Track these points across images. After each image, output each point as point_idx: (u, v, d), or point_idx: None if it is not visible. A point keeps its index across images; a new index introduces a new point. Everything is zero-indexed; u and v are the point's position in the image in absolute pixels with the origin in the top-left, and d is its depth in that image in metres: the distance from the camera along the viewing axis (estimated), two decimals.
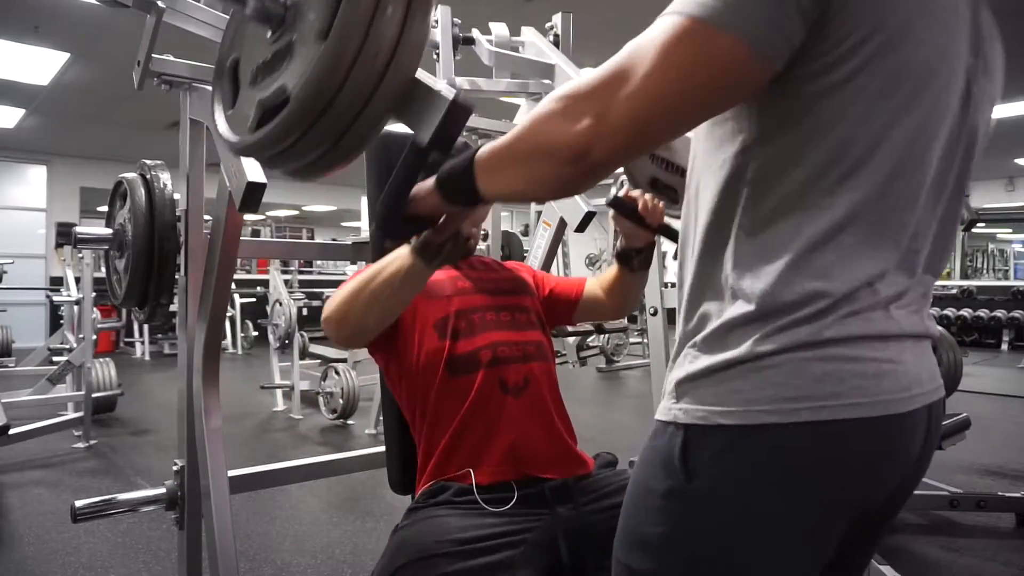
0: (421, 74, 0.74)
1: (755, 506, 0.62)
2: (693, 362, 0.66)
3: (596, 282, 1.44)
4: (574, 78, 1.49)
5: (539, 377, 1.24)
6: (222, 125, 0.88)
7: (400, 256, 1.02)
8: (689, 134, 0.70)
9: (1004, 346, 9.25)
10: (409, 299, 1.11)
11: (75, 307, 4.42)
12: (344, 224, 14.36)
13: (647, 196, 1.20)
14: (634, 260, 1.32)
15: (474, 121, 1.79)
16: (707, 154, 0.69)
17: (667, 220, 1.21)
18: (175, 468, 1.53)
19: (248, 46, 0.88)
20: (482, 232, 1.39)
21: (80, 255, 4.17)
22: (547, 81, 1.66)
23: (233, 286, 5.19)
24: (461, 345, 1.19)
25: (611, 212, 1.22)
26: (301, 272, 8.30)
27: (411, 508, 1.16)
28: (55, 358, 4.65)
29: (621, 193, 1.22)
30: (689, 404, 0.65)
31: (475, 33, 1.84)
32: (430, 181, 0.84)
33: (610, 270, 1.40)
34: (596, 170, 0.65)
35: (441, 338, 1.20)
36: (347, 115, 0.73)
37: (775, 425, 0.61)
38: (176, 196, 1.62)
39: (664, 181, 1.32)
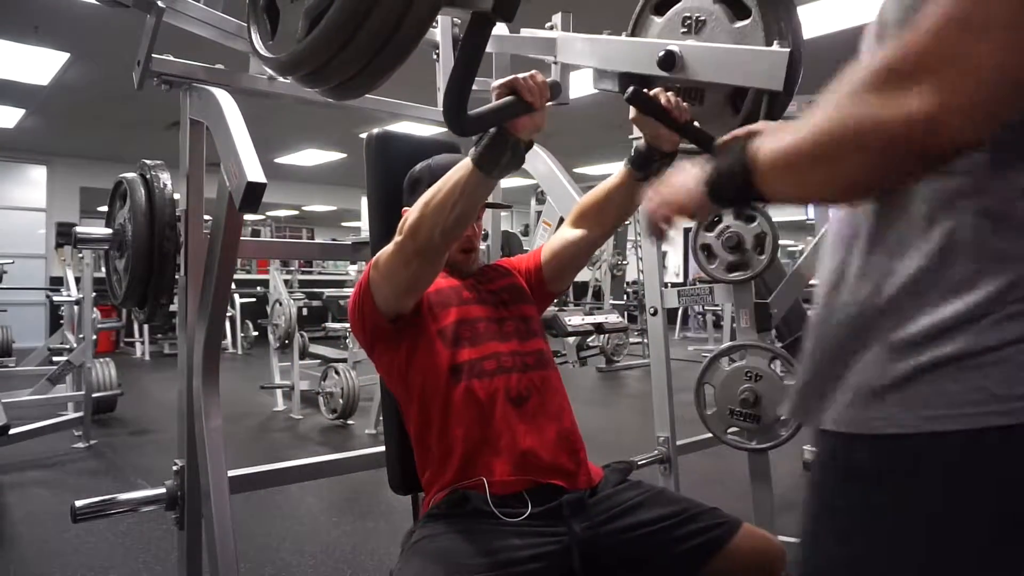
0: None
1: (978, 524, 0.55)
2: (888, 365, 0.58)
3: (572, 215, 1.39)
4: (578, 39, 1.46)
5: (543, 386, 1.24)
6: (265, 51, 0.85)
7: (461, 167, 1.02)
8: None
9: None
10: (473, 211, 1.09)
11: (75, 307, 4.41)
12: (344, 224, 14.36)
13: (669, 93, 1.11)
14: (655, 164, 1.20)
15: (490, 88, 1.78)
16: None
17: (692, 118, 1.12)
18: (175, 468, 1.53)
19: None
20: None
21: (80, 255, 4.17)
22: (552, 36, 1.65)
23: (233, 286, 5.20)
24: (464, 353, 1.20)
25: (631, 112, 1.12)
26: (301, 272, 8.30)
27: (431, 514, 1.15)
28: (55, 358, 4.64)
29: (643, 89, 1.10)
30: (891, 410, 0.57)
31: None
32: (691, 178, 0.75)
33: (600, 188, 1.32)
34: (950, 152, 0.50)
35: (445, 346, 1.20)
36: (398, 3, 0.71)
37: (996, 428, 0.53)
38: (176, 196, 1.62)
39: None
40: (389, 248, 1.13)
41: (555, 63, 1.63)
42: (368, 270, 1.19)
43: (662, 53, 1.14)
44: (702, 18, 1.20)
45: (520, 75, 0.97)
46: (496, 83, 0.96)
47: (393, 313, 1.19)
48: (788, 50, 1.02)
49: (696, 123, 1.12)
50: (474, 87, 1.92)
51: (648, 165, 1.20)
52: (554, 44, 1.55)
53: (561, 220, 1.51)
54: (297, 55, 0.79)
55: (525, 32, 1.83)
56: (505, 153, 0.97)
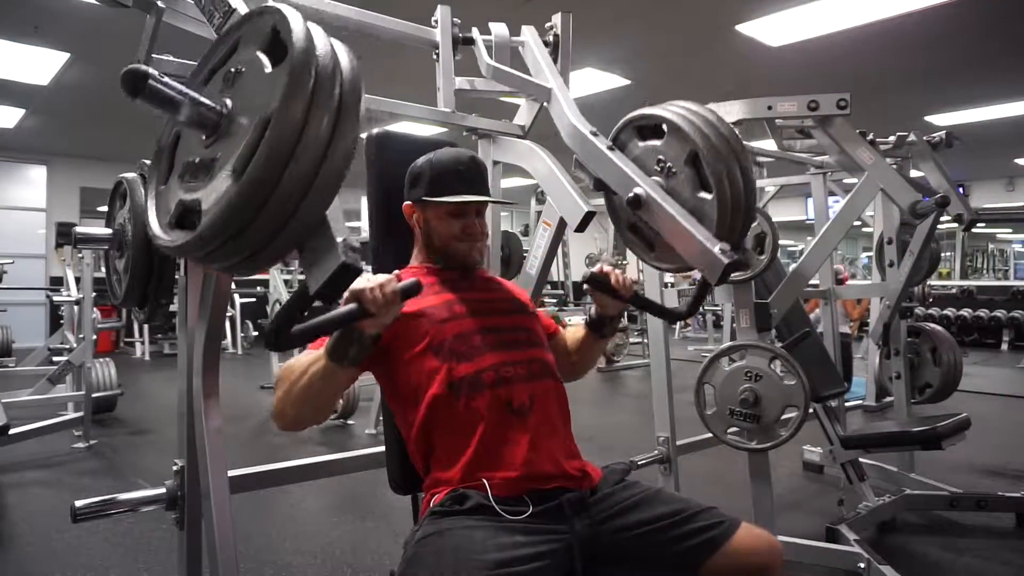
0: (331, 213, 0.81)
1: None
2: None
3: (564, 336, 1.52)
4: (570, 102, 1.55)
5: (545, 395, 1.24)
6: (151, 208, 0.94)
7: (316, 357, 1.09)
8: None
9: (1004, 346, 9.25)
10: (337, 393, 1.17)
11: (75, 307, 4.41)
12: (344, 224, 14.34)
13: (618, 272, 1.36)
14: (606, 327, 1.46)
15: (473, 122, 1.79)
16: None
17: (636, 289, 1.40)
18: (175, 468, 1.53)
19: (187, 133, 0.92)
20: (486, 229, 1.40)
21: (80, 255, 4.17)
22: (547, 85, 1.66)
23: (233, 286, 5.18)
24: (462, 368, 1.19)
25: (585, 287, 1.37)
26: (301, 272, 8.29)
27: (435, 512, 1.15)
28: (55, 358, 4.64)
29: (596, 270, 1.36)
30: None
31: (474, 33, 1.84)
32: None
33: (577, 331, 1.50)
34: None
35: (441, 364, 1.19)
36: (253, 244, 0.79)
37: None
38: None
39: (642, 228, 1.41)
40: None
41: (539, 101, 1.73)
42: None
43: (631, 194, 1.27)
44: (674, 170, 1.33)
45: (367, 286, 0.99)
46: (346, 293, 0.99)
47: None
48: (726, 262, 1.17)
49: (650, 246, 1.42)
50: (475, 88, 1.92)
51: (602, 327, 1.46)
52: (549, 95, 1.62)
53: (561, 220, 1.52)
54: (165, 245, 0.87)
55: (525, 34, 1.83)
56: (352, 345, 1.05)
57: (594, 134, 1.42)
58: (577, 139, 1.46)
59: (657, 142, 1.36)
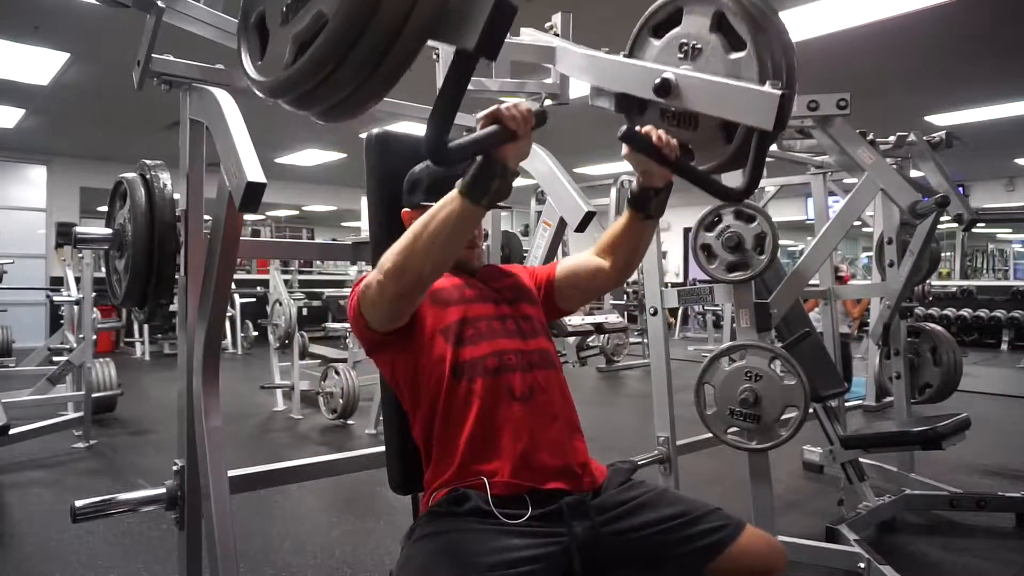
0: None
1: None
2: None
3: (591, 250, 1.40)
4: (577, 48, 1.46)
5: (546, 385, 1.23)
6: (254, 73, 0.86)
7: (449, 200, 1.01)
8: None
9: (1004, 346, 9.25)
10: (462, 243, 1.09)
11: (75, 307, 4.41)
12: (344, 224, 14.36)
13: (660, 131, 1.16)
14: (652, 202, 1.27)
15: (473, 122, 1.78)
16: None
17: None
18: (175, 468, 1.53)
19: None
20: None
21: (80, 255, 4.17)
22: (547, 80, 1.65)
23: (233, 286, 5.19)
24: (467, 351, 1.19)
25: (623, 149, 1.17)
26: (301, 272, 8.30)
27: (433, 512, 1.15)
28: (55, 358, 4.64)
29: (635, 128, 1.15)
30: None
31: None
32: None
33: (614, 226, 1.35)
34: None
35: (447, 344, 1.20)
36: (387, 32, 0.71)
37: None
38: (176, 196, 1.62)
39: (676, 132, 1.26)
40: (372, 285, 1.12)
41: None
42: (357, 294, 1.18)
43: (658, 80, 1.14)
44: (698, 46, 1.21)
45: (503, 104, 0.98)
46: (480, 114, 0.97)
47: (388, 329, 1.19)
48: (780, 93, 1.02)
49: (687, 153, 1.19)
50: (476, 88, 1.92)
51: (646, 203, 1.26)
52: (553, 53, 1.55)
53: (561, 220, 1.51)
54: (284, 80, 0.79)
55: (525, 34, 1.83)
56: (494, 180, 0.98)
57: (607, 52, 1.35)
58: (591, 64, 1.36)
59: (676, 30, 1.26)
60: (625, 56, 1.29)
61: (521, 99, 0.99)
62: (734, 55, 1.17)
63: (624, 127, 1.13)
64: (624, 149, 1.17)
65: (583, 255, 1.41)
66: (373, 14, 0.70)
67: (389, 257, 1.08)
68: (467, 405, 1.17)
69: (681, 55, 1.23)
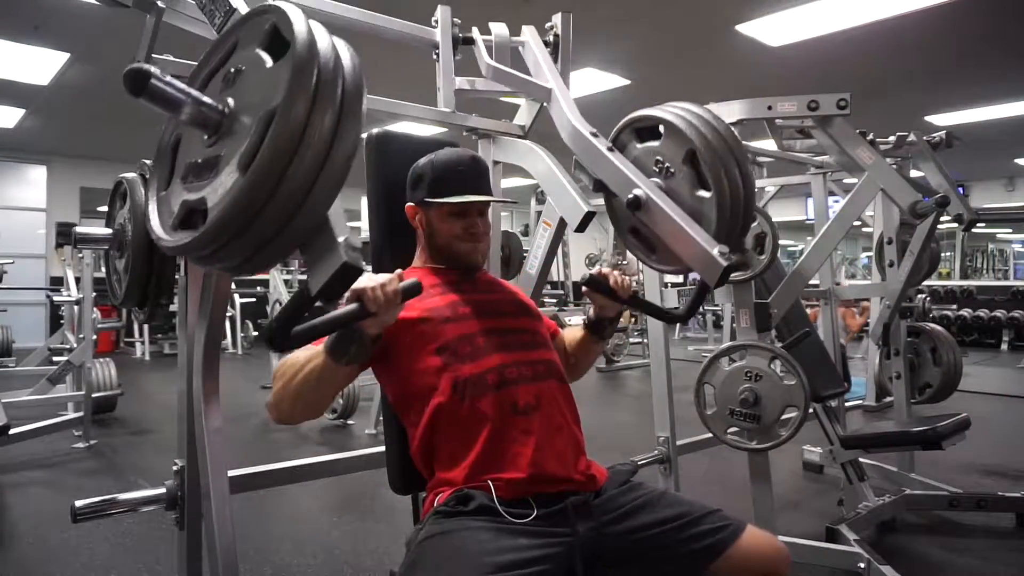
0: (333, 212, 0.81)
1: None
2: None
3: (563, 337, 1.51)
4: (570, 103, 1.55)
5: (551, 395, 1.23)
6: (152, 211, 0.94)
7: (316, 353, 1.09)
8: None
9: (1004, 346, 9.25)
10: (334, 391, 1.17)
11: (75, 307, 4.41)
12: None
13: (616, 273, 1.37)
14: (606, 329, 1.46)
15: (473, 122, 1.79)
16: None
17: (635, 289, 1.41)
18: (175, 468, 1.53)
19: (188, 135, 0.92)
20: (488, 225, 1.40)
21: (80, 255, 4.17)
22: (547, 86, 1.66)
23: (233, 286, 5.18)
24: (466, 369, 1.19)
25: (584, 289, 1.36)
26: (302, 272, 8.29)
27: (439, 511, 1.15)
28: (55, 358, 4.64)
29: (594, 271, 1.37)
30: None
31: (475, 33, 1.84)
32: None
33: (575, 332, 1.50)
34: None
35: (445, 363, 1.19)
36: (256, 242, 0.79)
37: None
38: None
39: (643, 231, 1.41)
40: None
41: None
42: None
43: (631, 196, 1.27)
44: (672, 170, 1.34)
45: (369, 285, 0.99)
46: (347, 293, 0.98)
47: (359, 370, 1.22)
48: (725, 264, 1.17)
49: (650, 247, 1.42)
50: (475, 88, 1.92)
51: (601, 329, 1.46)
52: (549, 95, 1.63)
53: (561, 220, 1.52)
54: (170, 246, 0.87)
55: (525, 34, 1.83)
56: (352, 345, 1.05)
57: (594, 135, 1.42)
58: (577, 140, 1.46)
59: (655, 143, 1.37)
60: (610, 148, 1.38)
61: (392, 277, 1.02)
62: (700, 192, 1.30)
63: (588, 274, 1.36)
64: (584, 288, 1.36)
65: (566, 340, 1.51)
66: (248, 225, 0.77)
67: (273, 386, 1.16)
68: (472, 423, 1.16)
69: (657, 169, 1.36)
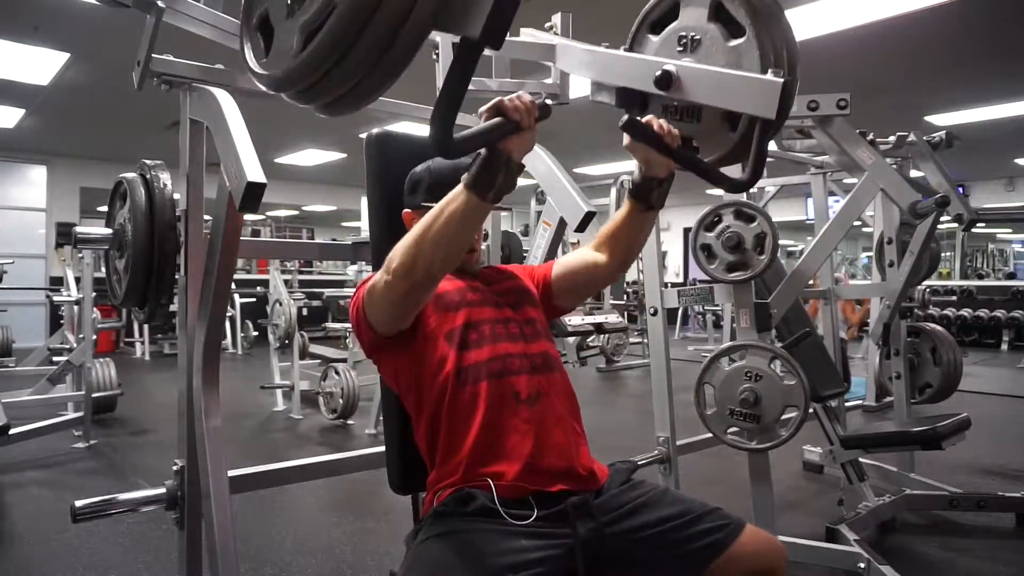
0: None
1: None
2: None
3: (588, 246, 1.40)
4: (579, 46, 1.45)
5: (550, 388, 1.23)
6: (259, 68, 0.86)
7: (454, 195, 1.01)
8: None
9: (1004, 346, 9.25)
10: (470, 238, 1.09)
11: (75, 307, 4.41)
12: (344, 224, 14.35)
13: (661, 120, 1.16)
14: (654, 192, 1.26)
15: (473, 122, 1.78)
16: None
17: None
18: (175, 468, 1.53)
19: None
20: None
21: (80, 255, 4.17)
22: (548, 80, 1.65)
23: (233, 286, 5.18)
24: (471, 355, 1.19)
25: (625, 139, 1.16)
26: (301, 272, 8.30)
27: (439, 512, 1.15)
28: (55, 358, 4.64)
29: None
30: None
31: None
32: None
33: (614, 219, 1.35)
34: None
35: (452, 348, 1.19)
36: (393, 16, 0.71)
37: None
38: (176, 196, 1.62)
39: (683, 128, 1.24)
40: (379, 284, 1.12)
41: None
42: (362, 295, 1.18)
43: (659, 72, 1.13)
44: (697, 37, 1.21)
45: (507, 96, 0.97)
46: (483, 108, 0.97)
47: (392, 332, 1.19)
48: (782, 81, 1.01)
49: (691, 145, 1.18)
50: (476, 88, 1.92)
51: (648, 194, 1.25)
52: (553, 51, 1.55)
53: (561, 220, 1.51)
54: (292, 71, 0.80)
55: (525, 35, 1.83)
56: (499, 173, 0.97)
57: (607, 46, 1.35)
58: (592, 58, 1.37)
59: (674, 24, 1.26)
60: (627, 50, 1.30)
61: (521, 92, 0.98)
62: (733, 42, 1.16)
63: (626, 116, 1.12)
64: (625, 139, 1.16)
65: (579, 251, 1.41)
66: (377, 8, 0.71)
67: (396, 256, 1.07)
68: (472, 409, 1.16)
69: (680, 48, 1.22)
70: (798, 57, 1.18)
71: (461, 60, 0.80)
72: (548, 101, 0.98)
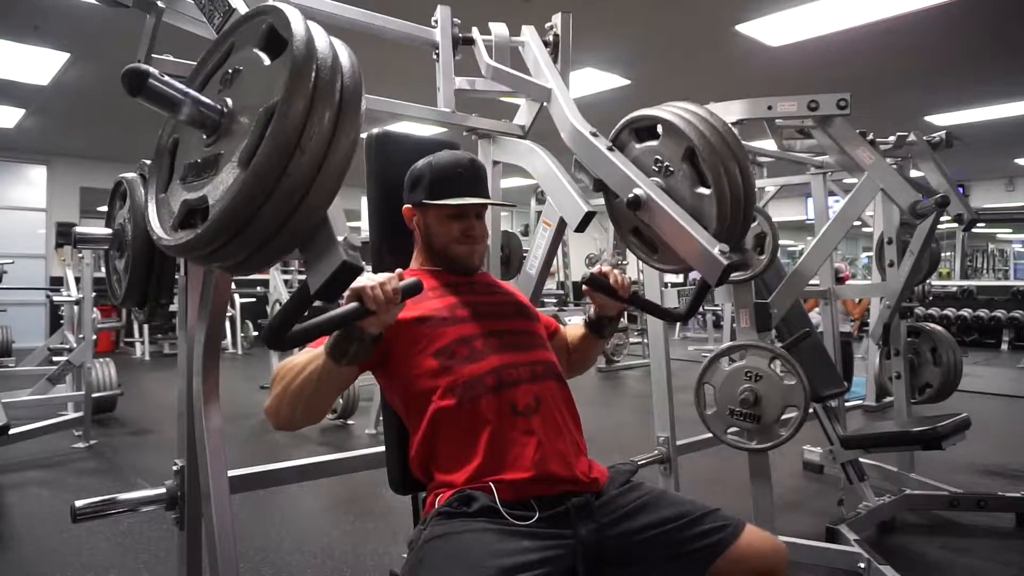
0: (332, 211, 0.81)
1: None
2: None
3: (564, 333, 1.53)
4: (570, 103, 1.55)
5: (550, 396, 1.23)
6: (152, 212, 0.94)
7: (316, 355, 1.08)
8: None
9: (1004, 346, 9.25)
10: (334, 393, 1.15)
11: (75, 307, 4.41)
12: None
13: (616, 272, 1.37)
14: (606, 328, 1.47)
15: (473, 122, 1.79)
16: None
17: (635, 289, 1.42)
18: (175, 468, 1.53)
19: (186, 136, 0.92)
20: (486, 230, 1.40)
21: (80, 255, 4.17)
22: (547, 86, 1.66)
23: (233, 286, 5.18)
24: (465, 371, 1.18)
25: (584, 288, 1.38)
26: (301, 272, 8.29)
27: (442, 512, 1.14)
28: (55, 358, 4.64)
29: (595, 270, 1.38)
30: None
31: (474, 33, 1.84)
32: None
33: (576, 330, 1.52)
34: None
35: (443, 366, 1.19)
36: (257, 240, 0.79)
37: None
38: None
39: (644, 231, 1.40)
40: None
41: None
42: None
43: (631, 195, 1.28)
44: (671, 168, 1.34)
45: (368, 284, 0.99)
46: (347, 291, 0.98)
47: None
48: (725, 264, 1.17)
49: (652, 246, 1.41)
50: (475, 88, 1.92)
51: (601, 328, 1.47)
52: (550, 95, 1.64)
53: (561, 220, 1.52)
54: (170, 245, 0.87)
55: (525, 34, 1.83)
56: (353, 344, 1.03)
57: (594, 135, 1.43)
58: (577, 140, 1.46)
59: (654, 143, 1.37)
60: (610, 147, 1.38)
61: (392, 276, 1.02)
62: (700, 189, 1.29)
63: (588, 272, 1.37)
64: (584, 287, 1.37)
65: (564, 335, 1.53)
66: (248, 222, 0.77)
67: (272, 391, 1.15)
68: (472, 425, 1.16)
69: (656, 168, 1.36)
70: (753, 204, 1.36)
71: (299, 295, 0.88)
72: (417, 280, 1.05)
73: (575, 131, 1.46)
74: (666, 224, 1.26)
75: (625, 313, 6.86)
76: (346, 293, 0.99)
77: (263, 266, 0.87)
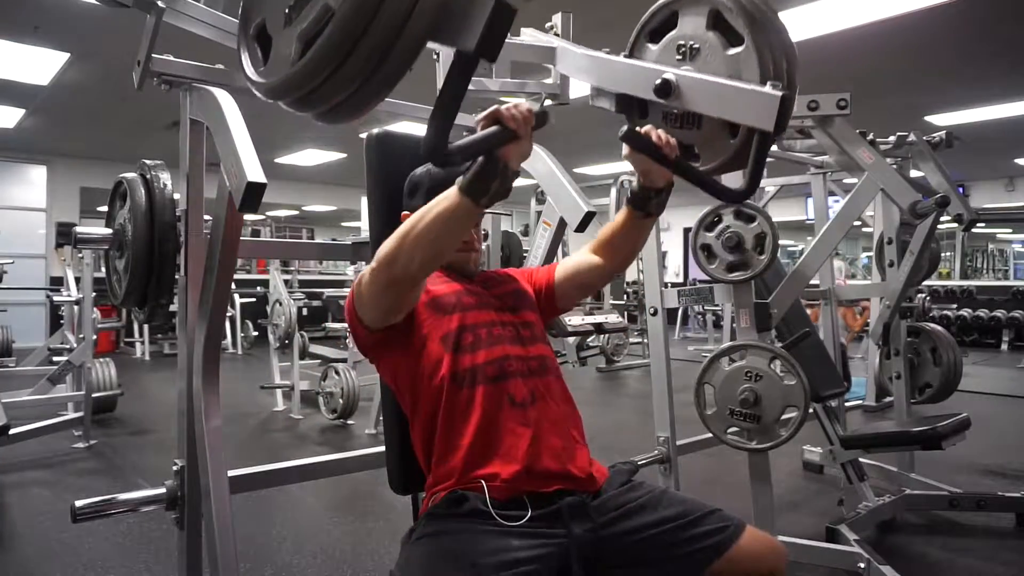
0: None
1: None
2: None
3: (587, 247, 1.41)
4: (576, 47, 1.45)
5: (547, 391, 1.23)
6: (256, 77, 0.86)
7: (447, 196, 1.00)
8: None
9: (1004, 346, 9.25)
10: (456, 242, 1.09)
11: (75, 307, 4.41)
12: (344, 224, 14.35)
13: (660, 131, 1.16)
14: (652, 202, 1.27)
15: (473, 122, 1.79)
16: None
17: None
18: (175, 468, 1.53)
19: (271, 3, 0.86)
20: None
21: (80, 255, 4.17)
22: (547, 80, 1.65)
23: (233, 286, 5.18)
24: (467, 359, 1.19)
25: (624, 149, 1.17)
26: (301, 272, 8.30)
27: (432, 513, 1.15)
28: (55, 358, 4.64)
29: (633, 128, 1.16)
30: None
31: None
32: None
33: (612, 223, 1.36)
34: None
35: (447, 351, 1.19)
36: (390, 26, 0.71)
37: None
38: (176, 196, 1.62)
39: (681, 137, 1.24)
40: (367, 275, 1.12)
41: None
42: (354, 288, 1.18)
43: (659, 81, 1.13)
44: (696, 46, 1.21)
45: (504, 105, 0.97)
46: (479, 115, 0.97)
47: (379, 326, 1.19)
48: (780, 95, 1.01)
49: (691, 151, 1.19)
50: (476, 88, 1.92)
51: (646, 203, 1.27)
52: (553, 53, 1.54)
53: (561, 220, 1.51)
54: (289, 79, 0.80)
55: (525, 35, 1.83)
56: (494, 180, 0.97)
57: (608, 52, 1.35)
58: (592, 64, 1.36)
59: (672, 32, 1.26)
60: (626, 55, 1.30)
61: (521, 99, 0.98)
62: (732, 51, 1.16)
63: (625, 127, 1.14)
64: (625, 149, 1.17)
65: (581, 254, 1.42)
66: (378, 7, 0.71)
67: (384, 246, 1.08)
68: (468, 412, 1.16)
69: (679, 56, 1.23)
70: (797, 65, 1.18)
71: (457, 71, 0.80)
72: (548, 101, 0.99)
73: (587, 57, 1.38)
74: (704, 91, 1.10)
75: (625, 313, 6.86)
76: (479, 116, 0.96)
77: (390, 80, 0.76)
